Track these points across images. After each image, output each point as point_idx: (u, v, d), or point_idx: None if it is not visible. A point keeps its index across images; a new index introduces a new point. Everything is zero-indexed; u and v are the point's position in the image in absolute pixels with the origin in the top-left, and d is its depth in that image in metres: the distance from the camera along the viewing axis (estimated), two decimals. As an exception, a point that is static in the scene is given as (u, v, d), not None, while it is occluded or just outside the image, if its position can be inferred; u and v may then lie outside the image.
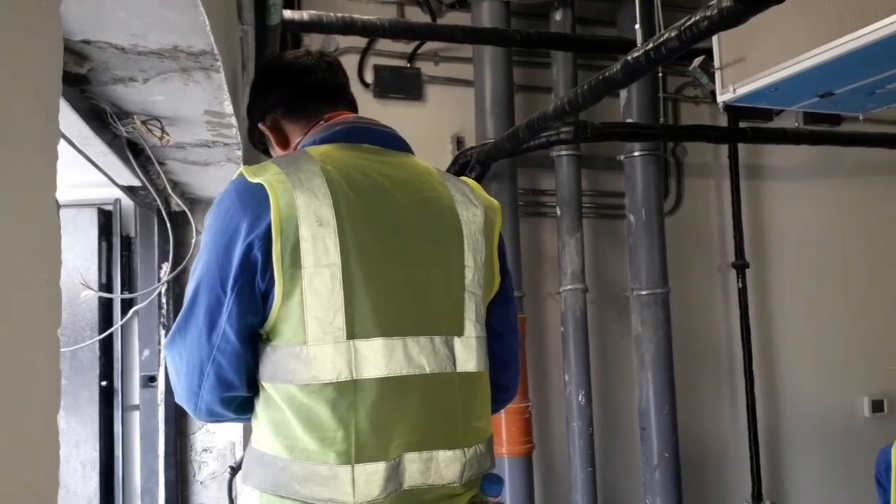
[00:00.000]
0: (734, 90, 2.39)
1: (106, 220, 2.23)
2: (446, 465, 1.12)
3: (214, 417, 1.16)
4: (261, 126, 1.34)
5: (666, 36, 1.75)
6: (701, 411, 3.70)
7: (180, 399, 1.15)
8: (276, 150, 1.35)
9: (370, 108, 3.17)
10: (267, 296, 1.07)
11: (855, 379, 3.98)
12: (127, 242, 2.26)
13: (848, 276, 4.04)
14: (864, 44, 1.95)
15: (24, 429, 0.45)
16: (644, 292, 3.29)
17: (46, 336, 0.54)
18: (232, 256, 1.06)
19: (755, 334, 3.75)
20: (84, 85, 1.22)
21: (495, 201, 1.30)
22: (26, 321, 0.51)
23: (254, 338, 1.10)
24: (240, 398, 1.13)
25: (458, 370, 1.15)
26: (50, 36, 0.55)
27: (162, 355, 2.17)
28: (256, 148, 1.44)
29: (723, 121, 3.72)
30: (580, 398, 3.27)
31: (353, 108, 1.35)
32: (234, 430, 2.33)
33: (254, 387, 1.13)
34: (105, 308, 2.22)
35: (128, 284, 2.25)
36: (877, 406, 4.00)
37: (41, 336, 0.53)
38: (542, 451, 3.36)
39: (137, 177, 1.62)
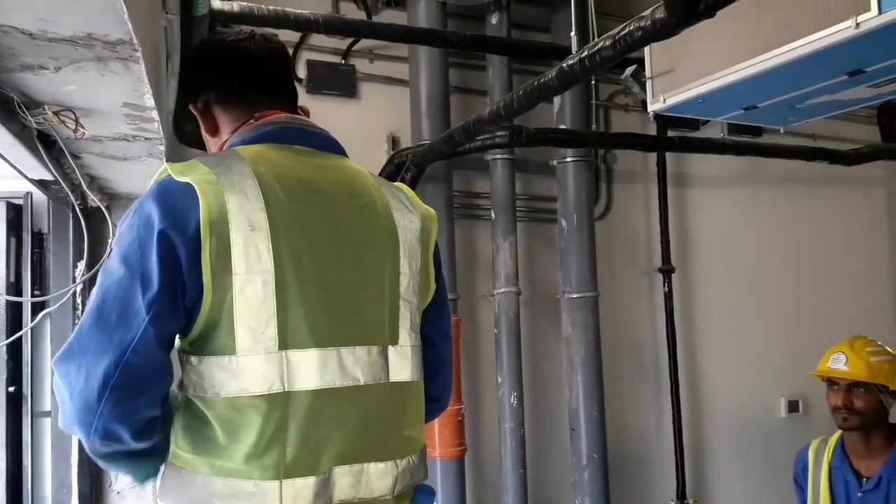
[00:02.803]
0: (664, 100, 2.44)
1: (16, 214, 2.10)
2: (378, 478, 1.09)
3: (108, 443, 1.03)
4: (191, 107, 1.27)
5: (601, 45, 1.76)
6: (628, 412, 3.78)
7: (69, 420, 1.01)
8: (204, 136, 1.28)
9: (302, 103, 3.06)
10: (190, 302, 1.01)
11: (772, 380, 4.15)
12: (39, 239, 2.14)
13: (766, 281, 4.21)
14: (787, 60, 2.02)
15: None
16: (574, 295, 3.34)
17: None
18: (155, 257, 0.99)
19: (680, 337, 3.86)
20: (-13, 71, 1.14)
21: (431, 210, 1.28)
22: None
23: (172, 346, 1.04)
24: (144, 418, 1.03)
25: (391, 380, 1.12)
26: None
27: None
28: (175, 123, 1.36)
29: (652, 129, 3.81)
30: (512, 400, 3.29)
31: (293, 101, 1.29)
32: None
33: (164, 406, 1.05)
34: (14, 309, 2.09)
35: (39, 283, 2.13)
36: (792, 406, 4.18)
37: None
38: (473, 452, 3.36)
39: (49, 171, 1.52)
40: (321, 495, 1.03)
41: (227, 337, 1.00)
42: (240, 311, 1.00)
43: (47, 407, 2.18)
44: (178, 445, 1.06)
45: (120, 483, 2.27)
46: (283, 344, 1.01)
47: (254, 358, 1.00)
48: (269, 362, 1.01)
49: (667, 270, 3.83)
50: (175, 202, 1.01)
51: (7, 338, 1.97)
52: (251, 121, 1.20)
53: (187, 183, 1.01)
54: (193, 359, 1.04)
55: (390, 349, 1.12)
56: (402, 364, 1.14)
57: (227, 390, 1.00)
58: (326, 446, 1.04)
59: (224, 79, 1.24)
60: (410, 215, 1.20)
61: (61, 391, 1.01)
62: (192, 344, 1.04)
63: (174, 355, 1.07)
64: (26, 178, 1.68)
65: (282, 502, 1.00)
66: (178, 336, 1.05)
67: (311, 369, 1.03)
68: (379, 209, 1.17)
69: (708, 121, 3.60)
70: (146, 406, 1.02)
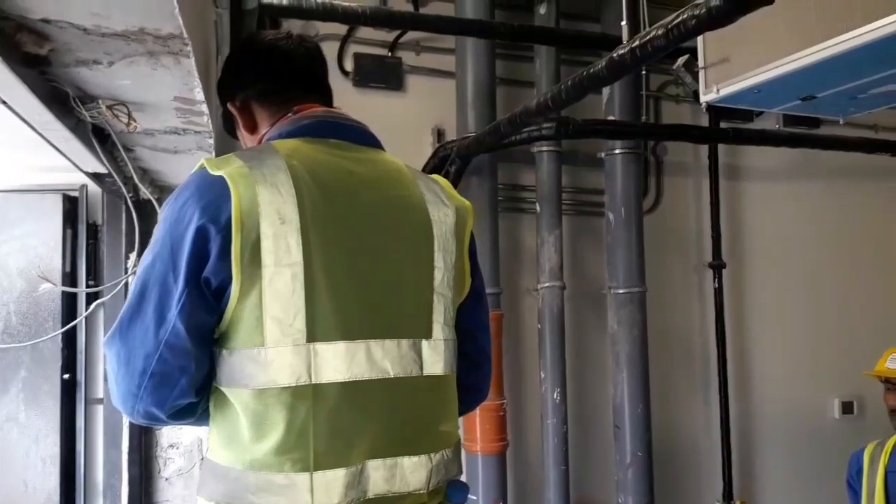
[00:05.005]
0: (718, 90, 2.36)
1: (71, 206, 2.16)
2: (412, 472, 1.09)
3: (151, 421, 1.10)
4: (229, 105, 1.29)
5: (653, 34, 1.72)
6: (674, 410, 3.71)
7: (116, 401, 1.09)
8: (242, 133, 1.30)
9: (349, 97, 3.09)
10: (220, 293, 1.02)
11: (826, 380, 4.02)
12: (93, 230, 2.20)
13: (821, 278, 4.07)
14: (848, 48, 1.93)
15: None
16: (621, 291, 3.28)
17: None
18: (187, 250, 1.00)
19: (730, 334, 3.76)
20: (44, 67, 1.16)
21: (466, 202, 1.27)
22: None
23: (207, 338, 1.04)
24: (181, 405, 1.06)
25: (424, 373, 1.12)
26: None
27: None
28: (224, 117, 1.39)
29: (703, 120, 3.71)
30: (555, 396, 3.25)
31: (329, 99, 1.30)
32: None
33: (200, 393, 1.07)
34: (69, 298, 2.15)
35: (93, 273, 2.18)
36: (846, 408, 4.04)
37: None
38: (515, 448, 3.34)
39: (103, 163, 1.55)
40: (353, 488, 1.03)
41: (256, 329, 1.01)
42: (268, 303, 1.00)
43: (100, 394, 2.24)
44: (214, 440, 1.08)
45: (168, 469, 2.33)
46: (311, 336, 1.02)
47: (282, 350, 1.01)
48: (296, 354, 1.01)
49: (717, 266, 3.74)
50: (208, 196, 1.02)
51: (62, 326, 2.02)
52: (289, 114, 1.21)
53: (220, 176, 1.03)
54: (224, 351, 1.05)
55: (424, 343, 1.12)
56: (436, 358, 1.13)
57: (256, 382, 1.01)
58: (356, 439, 1.04)
59: (262, 77, 1.25)
60: (445, 209, 1.19)
61: (109, 373, 1.08)
62: (222, 336, 1.05)
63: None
64: (81, 170, 1.72)
65: (313, 495, 1.00)
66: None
67: (338, 362, 1.03)
68: (414, 203, 1.16)
69: (762, 112, 3.49)
70: (181, 395, 1.05)
